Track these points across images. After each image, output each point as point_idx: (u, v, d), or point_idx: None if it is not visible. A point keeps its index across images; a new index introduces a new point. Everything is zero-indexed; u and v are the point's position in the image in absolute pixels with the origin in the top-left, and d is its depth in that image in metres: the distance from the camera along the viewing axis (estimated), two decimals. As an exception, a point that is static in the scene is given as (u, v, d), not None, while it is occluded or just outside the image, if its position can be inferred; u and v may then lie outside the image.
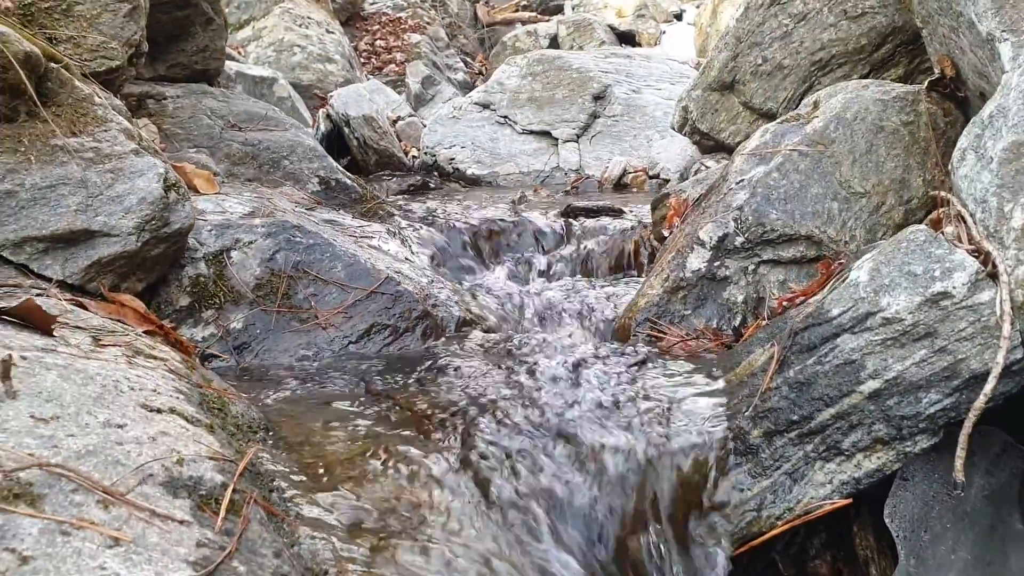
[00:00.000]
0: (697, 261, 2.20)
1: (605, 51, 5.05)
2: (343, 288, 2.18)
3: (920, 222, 2.24)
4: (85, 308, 1.62)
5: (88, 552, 0.86)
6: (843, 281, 1.64)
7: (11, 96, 1.81)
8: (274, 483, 1.26)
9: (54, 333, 1.35)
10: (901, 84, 2.43)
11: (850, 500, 1.37)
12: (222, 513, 1.05)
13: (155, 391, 1.26)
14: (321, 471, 1.37)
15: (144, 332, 1.70)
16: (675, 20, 13.37)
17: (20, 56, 1.80)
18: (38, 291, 1.67)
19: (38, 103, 1.85)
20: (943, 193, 1.69)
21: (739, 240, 2.17)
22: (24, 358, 1.14)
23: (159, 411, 1.20)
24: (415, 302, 2.19)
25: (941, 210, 1.63)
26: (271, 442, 1.44)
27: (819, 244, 2.16)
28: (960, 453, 1.24)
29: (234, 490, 1.10)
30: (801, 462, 1.42)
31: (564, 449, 1.54)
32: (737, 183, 2.30)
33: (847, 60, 3.44)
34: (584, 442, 1.56)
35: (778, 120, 2.50)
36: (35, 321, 1.32)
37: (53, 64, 1.95)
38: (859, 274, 1.55)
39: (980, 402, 1.24)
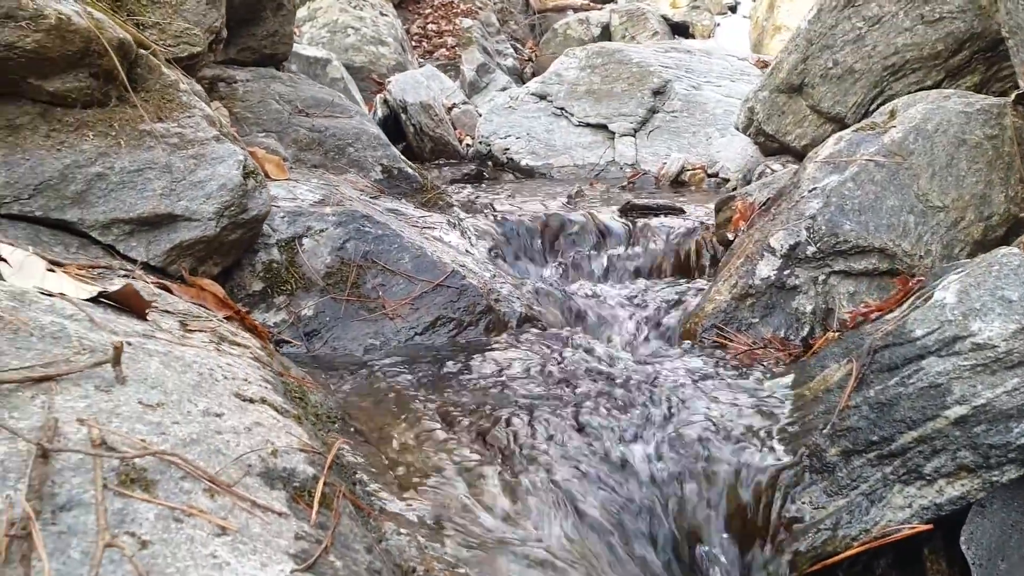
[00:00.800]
0: (767, 269, 2.17)
1: (665, 45, 4.98)
2: (410, 279, 2.20)
3: (1001, 239, 2.19)
4: (170, 292, 1.67)
5: (199, 539, 0.89)
6: (924, 300, 1.61)
7: (104, 81, 1.86)
8: (356, 476, 1.29)
9: (148, 318, 1.39)
10: (985, 96, 2.36)
11: (931, 526, 1.35)
12: (315, 506, 1.07)
13: (246, 380, 1.29)
14: (398, 466, 1.40)
15: (224, 317, 1.74)
16: (729, 12, 13.13)
17: (114, 43, 1.85)
18: (124, 271, 1.72)
19: (129, 88, 1.89)
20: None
21: (811, 249, 2.14)
22: (130, 344, 1.18)
23: (251, 400, 1.23)
24: (479, 296, 2.21)
25: (1035, 232, 1.58)
26: (349, 432, 1.46)
27: (892, 257, 2.12)
28: (1052, 487, 1.21)
29: (324, 483, 1.13)
30: (879, 484, 1.40)
31: (634, 458, 1.54)
32: (810, 191, 2.26)
33: (921, 66, 3.35)
34: (653, 452, 1.56)
35: (852, 128, 2.45)
36: (132, 305, 1.36)
37: (142, 50, 1.99)
38: (945, 295, 1.51)
39: (1076, 436, 1.21)
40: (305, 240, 2.18)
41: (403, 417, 1.60)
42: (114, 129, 1.85)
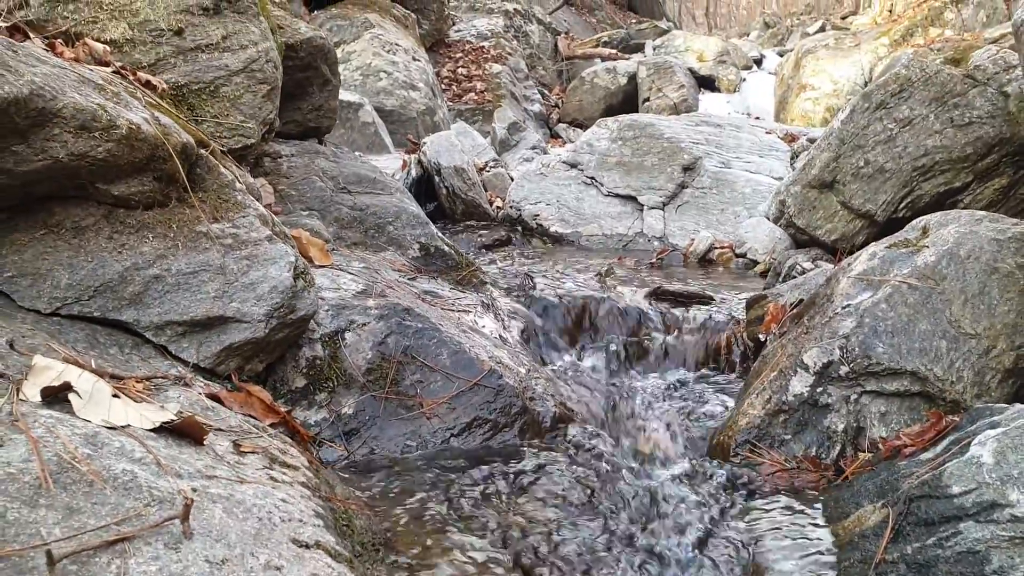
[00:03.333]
0: (800, 385, 2.20)
1: (696, 119, 5.06)
2: (448, 377, 2.24)
3: (1033, 367, 2.21)
4: (222, 402, 1.72)
5: None
6: (961, 450, 1.63)
7: (167, 184, 1.93)
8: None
9: (204, 442, 1.44)
10: (1016, 221, 2.40)
11: None
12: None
13: (301, 520, 1.33)
14: None
15: (270, 424, 1.79)
16: (755, 66, 13.29)
17: (178, 147, 1.93)
18: (177, 376, 1.77)
19: (190, 190, 1.97)
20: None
21: (843, 369, 2.17)
22: (194, 490, 1.22)
23: (307, 546, 1.27)
24: (515, 396, 2.25)
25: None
26: (394, 564, 1.50)
27: (924, 380, 2.14)
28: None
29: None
30: (914, 645, 1.42)
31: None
32: (843, 308, 2.29)
33: (950, 168, 3.40)
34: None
35: (885, 244, 2.49)
36: (192, 434, 1.41)
37: (202, 150, 2.07)
38: (982, 452, 1.54)
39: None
40: (348, 335, 2.24)
41: (445, 542, 1.63)
42: (172, 231, 1.92)
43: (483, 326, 2.74)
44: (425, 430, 2.14)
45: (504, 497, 1.87)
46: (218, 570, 1.10)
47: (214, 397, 1.72)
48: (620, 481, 1.99)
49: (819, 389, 2.19)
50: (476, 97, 9.99)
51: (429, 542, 1.62)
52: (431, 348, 2.29)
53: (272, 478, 1.45)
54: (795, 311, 2.62)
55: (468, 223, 4.68)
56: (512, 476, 1.96)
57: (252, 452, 1.53)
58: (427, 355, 2.28)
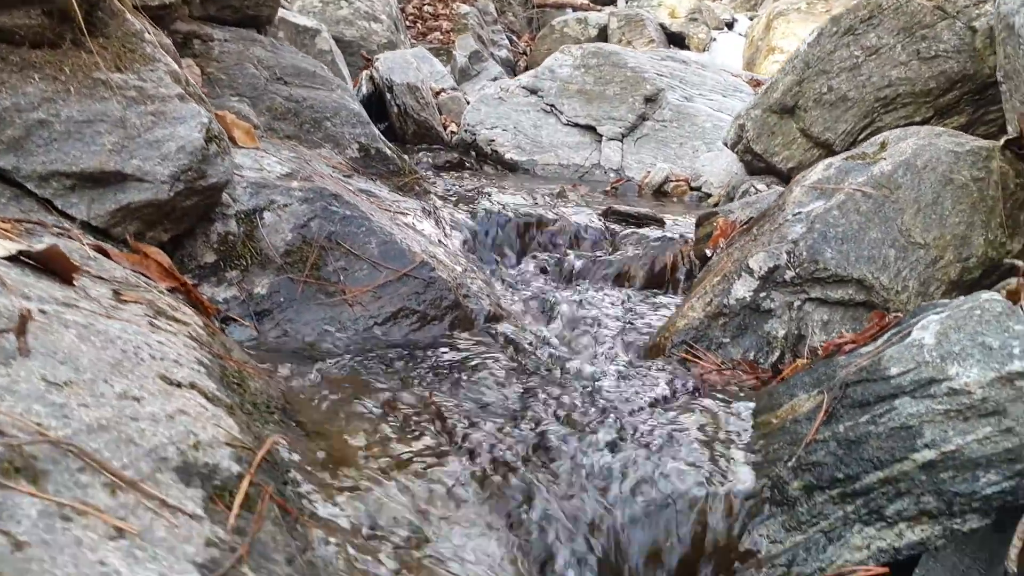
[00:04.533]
0: (743, 289, 2.10)
1: (661, 53, 4.91)
2: (375, 266, 2.10)
3: (975, 282, 2.15)
4: (108, 256, 1.55)
5: (88, 543, 0.79)
6: (901, 338, 1.55)
7: (59, 21, 1.72)
8: (289, 474, 1.19)
9: (75, 283, 1.28)
10: (975, 138, 2.32)
11: (886, 568, 1.29)
12: (235, 509, 0.97)
13: (176, 361, 1.19)
14: (338, 466, 1.30)
15: (167, 288, 1.62)
16: (726, 28, 13.14)
17: (74, -20, 1.71)
18: (60, 230, 1.59)
19: (85, 32, 1.76)
20: (1022, 263, 1.59)
21: (789, 274, 2.08)
22: (43, 312, 1.07)
23: (179, 385, 1.13)
24: (447, 290, 2.11)
25: (1020, 280, 1.53)
26: (288, 425, 1.36)
27: (869, 289, 2.07)
28: (1016, 543, 1.16)
29: (250, 482, 1.03)
30: (840, 522, 1.34)
31: (583, 472, 1.46)
32: (794, 215, 2.20)
33: (912, 101, 3.32)
34: (603, 468, 1.48)
35: (843, 156, 2.40)
36: (57, 268, 1.24)
37: (106, -7, 1.86)
38: (924, 335, 1.46)
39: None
40: (267, 214, 2.07)
41: (350, 412, 1.50)
42: (64, 74, 1.72)
43: (421, 229, 2.59)
44: (346, 317, 2.00)
45: (425, 382, 1.75)
46: (57, 391, 0.95)
47: (100, 250, 1.55)
48: (548, 374, 1.88)
49: (762, 294, 2.10)
50: (441, 37, 9.66)
51: (332, 412, 1.48)
52: (359, 236, 2.14)
53: (153, 325, 1.30)
54: (745, 226, 2.53)
55: (420, 146, 4.49)
56: (435, 364, 1.83)
57: (135, 302, 1.37)
58: (354, 243, 2.12)
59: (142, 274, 1.59)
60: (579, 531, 1.34)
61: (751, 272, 2.11)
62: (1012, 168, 2.21)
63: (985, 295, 1.49)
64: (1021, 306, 1.42)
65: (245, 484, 1.02)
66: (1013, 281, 1.92)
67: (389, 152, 2.99)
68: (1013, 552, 1.16)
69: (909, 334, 1.52)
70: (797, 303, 2.09)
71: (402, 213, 2.62)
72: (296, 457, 1.26)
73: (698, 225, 2.71)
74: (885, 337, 1.69)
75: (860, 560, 1.32)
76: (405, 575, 1.08)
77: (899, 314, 1.78)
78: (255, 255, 1.99)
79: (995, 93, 3.10)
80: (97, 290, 1.33)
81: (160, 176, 1.77)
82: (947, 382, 1.33)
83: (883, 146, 2.40)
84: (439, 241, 2.57)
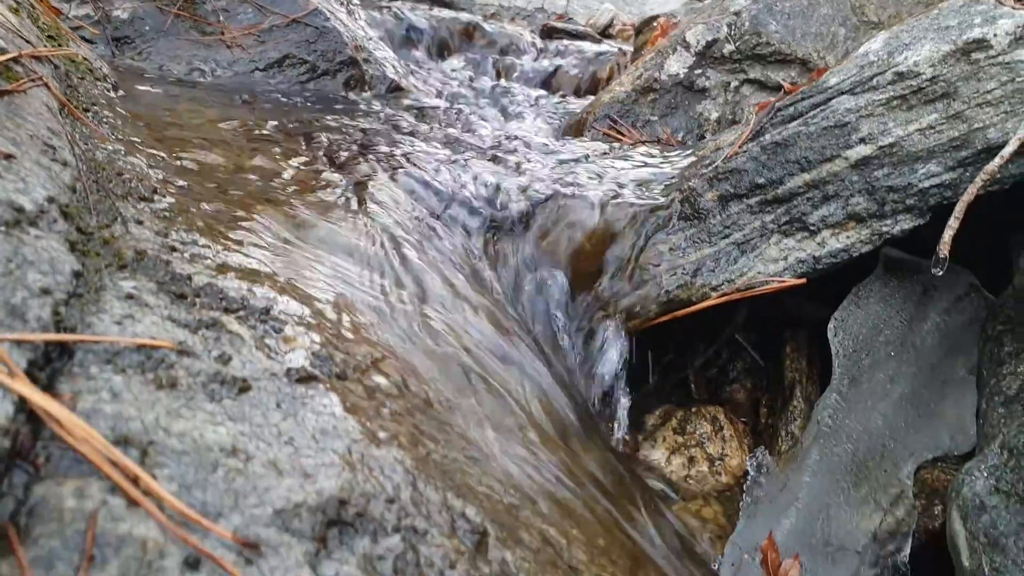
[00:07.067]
0: (677, 65, 1.90)
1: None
2: (260, 10, 1.82)
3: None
4: None
5: None
6: (845, 58, 1.37)
7: None
8: (95, 107, 0.95)
9: None
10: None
11: (803, 280, 1.13)
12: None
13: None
14: (162, 133, 1.06)
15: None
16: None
17: None
18: None
19: None
20: None
21: (728, 48, 1.88)
22: None
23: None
24: (342, 44, 1.85)
25: None
26: (115, 95, 1.11)
27: (813, 71, 1.88)
28: (952, 224, 1.00)
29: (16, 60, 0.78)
30: (756, 233, 1.17)
31: (487, 185, 1.26)
32: (739, -9, 1.99)
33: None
34: (514, 187, 1.28)
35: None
36: None
37: None
38: (872, 44, 1.27)
39: (994, 165, 0.99)
40: (131, -67, 1.76)
41: (192, 108, 1.25)
42: None
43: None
44: (223, 58, 1.73)
45: (302, 119, 1.50)
46: None
47: None
48: (452, 135, 1.66)
49: (698, 71, 1.90)
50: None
51: (174, 107, 1.24)
52: (245, -24, 1.85)
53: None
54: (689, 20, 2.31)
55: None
56: (319, 108, 1.59)
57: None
58: (238, -19, 1.83)
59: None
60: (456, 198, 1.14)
61: (687, 46, 1.91)
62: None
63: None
64: None
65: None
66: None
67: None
68: (947, 234, 1.01)
69: (858, 52, 1.33)
70: (734, 83, 1.90)
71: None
72: (112, 112, 1.01)
73: (638, 32, 2.49)
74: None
75: (776, 272, 1.16)
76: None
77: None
78: (114, -28, 1.69)
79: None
80: None
81: None
82: (893, 69, 1.15)
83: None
84: (346, 8, 2.28)
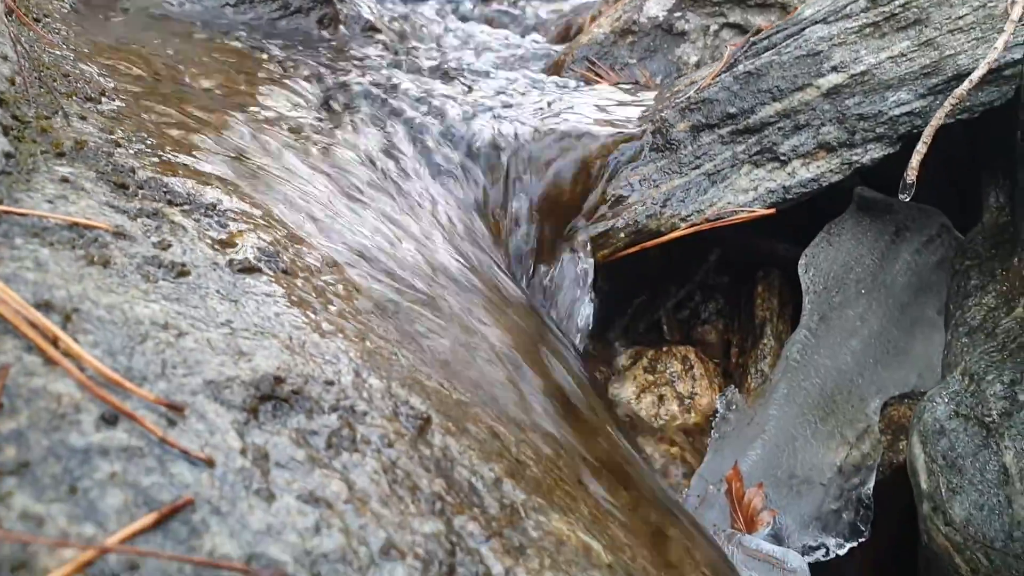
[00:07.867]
0: (657, 7, 1.87)
1: None
2: (229, -58, 1.76)
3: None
4: None
5: None
6: None
7: None
8: (47, 19, 0.91)
9: None
10: None
11: (773, 211, 1.12)
12: None
13: None
14: (118, 48, 1.03)
15: None
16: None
17: None
18: None
19: None
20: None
21: (709, -10, 1.85)
22: None
23: None
24: (316, -20, 1.81)
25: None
26: (73, 13, 1.08)
27: (796, 21, 1.86)
28: (920, 148, 0.99)
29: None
30: (727, 164, 1.16)
31: (451, 113, 1.24)
32: (722, -67, 1.95)
33: None
34: (488, 123, 1.26)
35: None
36: None
37: None
38: (847, -23, 1.25)
39: (962, 89, 0.98)
40: None
41: (160, 34, 1.22)
42: None
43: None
44: (190, -10, 1.68)
45: (274, 48, 1.47)
46: None
47: None
48: (430, 69, 1.63)
49: (677, 14, 1.87)
50: None
51: (144, 35, 1.20)
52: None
53: None
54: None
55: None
56: (292, 41, 1.56)
57: None
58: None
59: None
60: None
61: (668, -11, 1.87)
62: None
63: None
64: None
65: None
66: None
67: None
68: (915, 159, 1.00)
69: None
70: (714, 27, 1.87)
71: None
72: (69, 30, 0.98)
73: (621, -20, 2.44)
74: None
75: (746, 203, 1.15)
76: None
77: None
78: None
79: None
80: None
81: None
82: (866, -5, 1.13)
83: None
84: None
